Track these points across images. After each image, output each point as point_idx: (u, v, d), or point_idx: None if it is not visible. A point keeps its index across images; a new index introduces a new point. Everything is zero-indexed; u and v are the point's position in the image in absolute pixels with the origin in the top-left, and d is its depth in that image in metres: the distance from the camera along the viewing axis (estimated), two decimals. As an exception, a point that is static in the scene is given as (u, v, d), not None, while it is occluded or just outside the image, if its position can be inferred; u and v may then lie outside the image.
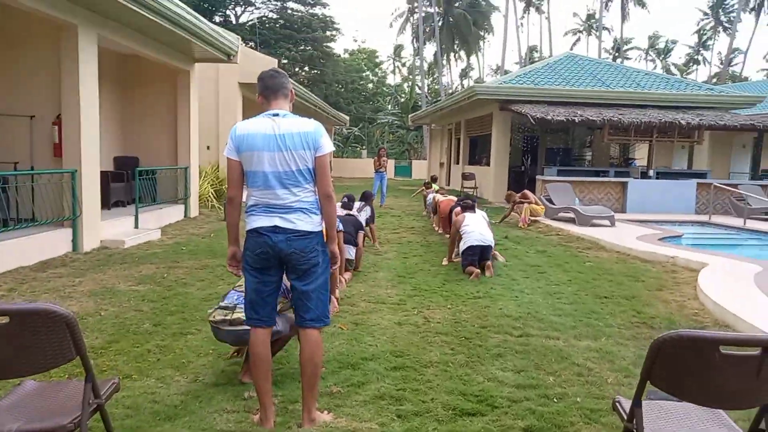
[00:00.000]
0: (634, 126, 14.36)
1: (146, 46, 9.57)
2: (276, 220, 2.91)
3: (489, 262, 7.04)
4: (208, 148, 14.98)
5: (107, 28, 8.25)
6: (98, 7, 7.62)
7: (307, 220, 2.95)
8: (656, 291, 6.29)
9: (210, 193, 12.88)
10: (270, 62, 14.82)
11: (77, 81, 7.61)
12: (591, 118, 14.25)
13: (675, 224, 12.17)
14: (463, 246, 7.12)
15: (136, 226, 9.32)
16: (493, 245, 7.31)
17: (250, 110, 17.65)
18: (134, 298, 5.50)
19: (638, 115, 14.66)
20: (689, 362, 1.96)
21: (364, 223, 8.15)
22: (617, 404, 2.41)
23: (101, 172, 9.91)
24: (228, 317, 3.52)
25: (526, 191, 12.14)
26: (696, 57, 62.52)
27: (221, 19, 39.41)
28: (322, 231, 3.04)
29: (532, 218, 11.63)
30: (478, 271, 6.83)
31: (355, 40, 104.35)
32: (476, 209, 7.93)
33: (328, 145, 2.97)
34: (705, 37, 60.01)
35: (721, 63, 56.33)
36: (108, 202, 9.91)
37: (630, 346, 4.43)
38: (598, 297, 5.96)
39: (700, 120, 14.57)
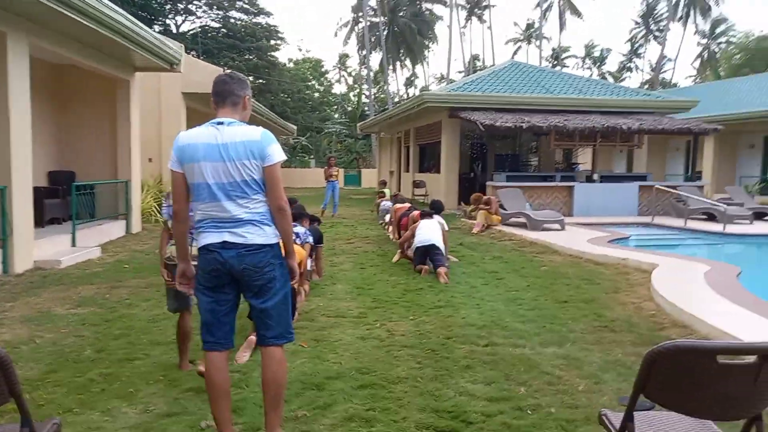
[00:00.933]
0: (578, 131, 14.72)
1: (83, 55, 9.06)
2: (225, 236, 2.72)
3: (442, 269, 7.13)
4: (150, 160, 14.38)
5: (39, 36, 7.74)
6: (29, 13, 7.12)
7: (259, 232, 2.74)
8: (613, 293, 6.36)
9: (153, 208, 12.31)
10: (214, 71, 14.39)
11: (6, 92, 7.08)
12: (538, 124, 14.51)
13: (621, 226, 12.50)
14: (413, 248, 7.71)
15: (74, 245, 8.76)
16: (440, 246, 7.52)
17: (194, 121, 17.10)
18: (73, 322, 5.09)
19: (582, 120, 15.04)
20: (686, 373, 1.87)
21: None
22: (604, 417, 2.31)
23: (34, 188, 9.32)
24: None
25: (492, 198, 12.23)
26: (629, 65, 65.28)
27: (161, 28, 38.26)
28: (278, 243, 2.83)
29: (487, 225, 11.72)
30: (427, 267, 7.39)
31: (300, 49, 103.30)
32: (433, 216, 8.23)
33: (277, 154, 2.75)
34: (637, 45, 62.77)
35: (652, 70, 59.08)
36: (42, 219, 9.29)
37: (595, 351, 4.40)
38: (557, 302, 5.96)
39: (640, 124, 15.09)
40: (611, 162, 24.95)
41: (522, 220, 12.08)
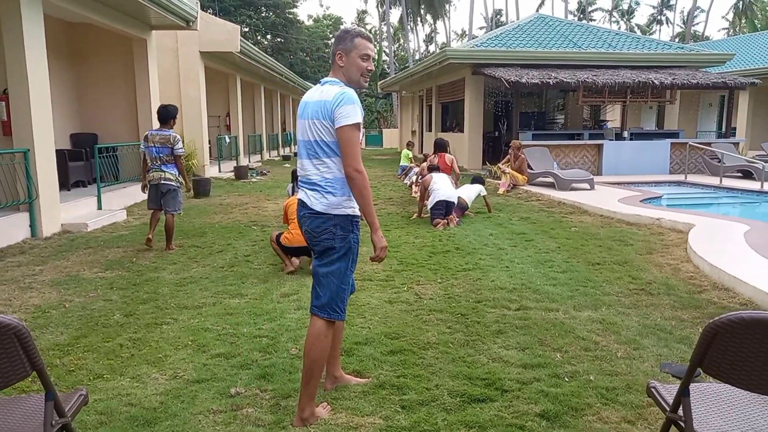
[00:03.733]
0: (608, 87, 14.20)
1: (97, 12, 8.88)
2: (301, 194, 2.77)
3: (452, 216, 7.98)
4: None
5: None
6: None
7: (321, 200, 2.66)
8: (647, 255, 6.16)
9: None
10: (232, 29, 14.10)
11: (23, 52, 6.97)
12: (565, 80, 14.01)
13: (652, 185, 12.15)
14: (431, 203, 8.04)
15: (100, 207, 8.79)
16: (455, 201, 8.11)
17: (213, 80, 16.91)
18: (102, 286, 5.09)
19: (612, 76, 14.49)
20: (752, 347, 1.72)
21: None
22: (653, 390, 2.17)
23: (57, 150, 9.32)
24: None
25: (521, 155, 11.86)
26: (659, 17, 62.73)
27: (177, -14, 37.71)
28: (345, 215, 2.67)
29: (513, 185, 11.48)
30: (444, 221, 7.87)
31: (321, 5, 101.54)
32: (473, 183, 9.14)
33: (346, 116, 2.56)
34: (668, -3, 60.13)
35: (684, 23, 56.70)
36: (67, 182, 9.33)
37: (632, 315, 4.25)
38: (590, 264, 5.78)
39: (673, 79, 14.48)
40: (640, 119, 24.19)
41: (549, 179, 11.80)
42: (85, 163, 10.01)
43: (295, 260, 5.61)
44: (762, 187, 10.93)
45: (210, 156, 15.69)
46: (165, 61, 13.69)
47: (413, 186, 11.02)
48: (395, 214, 9.03)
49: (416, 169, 12.01)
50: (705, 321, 4.09)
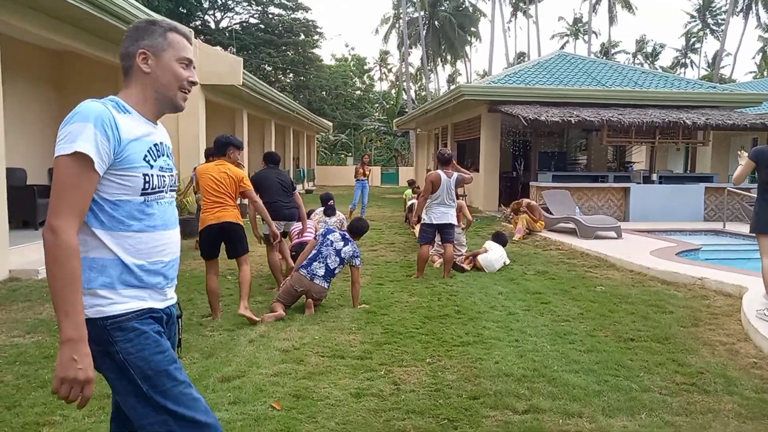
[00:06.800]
0: (635, 127, 13.14)
1: (82, 41, 8.19)
2: None
3: (452, 253, 7.03)
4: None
5: (31, 20, 6.87)
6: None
7: None
8: (692, 327, 4.97)
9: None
10: (235, 61, 13.44)
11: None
12: (588, 118, 12.99)
13: (687, 234, 10.93)
14: (426, 217, 6.98)
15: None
16: (454, 224, 7.07)
17: (213, 115, 16.24)
18: (6, 362, 4.08)
19: (639, 115, 13.42)
20: None
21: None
22: None
23: (27, 186, 8.65)
24: None
25: (533, 203, 10.81)
26: (683, 60, 61.85)
27: (199, 23, 38.03)
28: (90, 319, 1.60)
29: (529, 231, 10.37)
30: (439, 258, 7.46)
31: (347, 46, 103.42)
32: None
33: (63, 140, 1.61)
34: (693, 40, 59.38)
35: (709, 66, 55.72)
36: (35, 221, 8.48)
37: (684, 428, 3.09)
38: (621, 339, 4.62)
39: (707, 119, 13.36)
40: (666, 161, 22.96)
41: (570, 225, 10.64)
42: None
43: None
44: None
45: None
46: (163, 93, 13.03)
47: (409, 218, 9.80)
48: (393, 263, 7.95)
49: (411, 202, 10.96)
50: (789, 442, 2.92)
